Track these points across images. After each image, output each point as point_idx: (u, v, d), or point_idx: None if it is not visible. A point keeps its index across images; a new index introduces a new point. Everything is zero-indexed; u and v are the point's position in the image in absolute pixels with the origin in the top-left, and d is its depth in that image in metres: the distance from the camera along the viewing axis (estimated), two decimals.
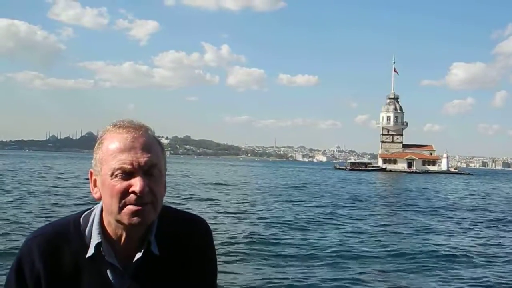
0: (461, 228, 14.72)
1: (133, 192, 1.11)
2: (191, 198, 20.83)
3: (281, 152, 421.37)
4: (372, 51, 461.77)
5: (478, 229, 14.49)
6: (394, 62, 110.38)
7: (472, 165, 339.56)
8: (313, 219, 15.17)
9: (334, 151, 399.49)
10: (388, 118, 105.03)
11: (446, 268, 8.78)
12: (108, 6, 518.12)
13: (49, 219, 11.52)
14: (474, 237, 12.92)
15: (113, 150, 1.14)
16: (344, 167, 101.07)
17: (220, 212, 15.98)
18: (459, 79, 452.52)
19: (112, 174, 1.13)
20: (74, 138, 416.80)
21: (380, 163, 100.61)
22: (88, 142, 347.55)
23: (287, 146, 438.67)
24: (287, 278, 7.59)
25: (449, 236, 12.89)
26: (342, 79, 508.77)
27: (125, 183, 1.12)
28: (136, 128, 1.17)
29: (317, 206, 19.48)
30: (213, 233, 1.36)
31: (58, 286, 1.18)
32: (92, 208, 1.26)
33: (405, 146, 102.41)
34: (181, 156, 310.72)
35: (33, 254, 1.17)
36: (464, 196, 30.14)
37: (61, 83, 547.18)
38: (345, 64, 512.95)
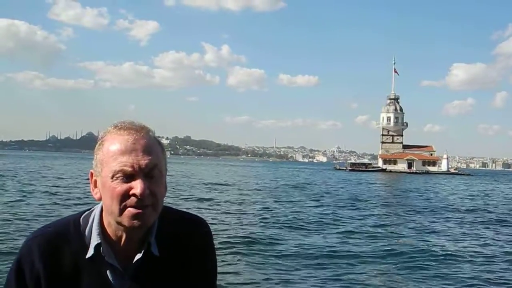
0: (460, 228, 14.72)
1: (134, 195, 1.11)
2: (191, 198, 20.84)
3: (281, 153, 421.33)
4: (372, 51, 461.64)
5: (478, 230, 14.50)
6: (394, 63, 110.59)
7: (472, 165, 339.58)
8: (312, 219, 15.18)
9: (334, 151, 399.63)
10: (388, 119, 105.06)
11: (446, 268, 8.78)
12: (108, 6, 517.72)
13: (49, 219, 11.52)
14: (473, 237, 12.93)
15: (113, 152, 1.14)
16: (344, 168, 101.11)
17: (220, 212, 15.99)
18: (459, 80, 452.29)
19: (112, 176, 1.12)
20: (74, 138, 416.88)
21: (380, 163, 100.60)
22: (88, 143, 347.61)
23: (287, 146, 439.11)
24: (287, 278, 7.60)
25: (449, 236, 12.89)
26: (342, 80, 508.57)
27: (126, 186, 1.12)
28: (137, 130, 1.17)
29: (317, 207, 19.49)
30: (213, 233, 1.37)
31: (58, 286, 1.18)
32: (92, 209, 1.26)
33: (405, 147, 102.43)
34: (181, 156, 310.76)
35: (33, 254, 1.17)
36: (464, 197, 30.14)
37: (61, 83, 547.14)
38: (345, 65, 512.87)
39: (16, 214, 12.95)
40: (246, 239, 10.82)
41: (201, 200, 20.28)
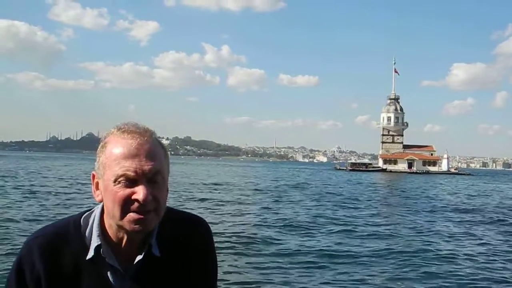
0: (461, 228, 14.71)
1: (136, 200, 1.11)
2: (191, 198, 20.85)
3: (282, 153, 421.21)
4: (372, 51, 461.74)
5: (478, 230, 14.48)
6: (394, 63, 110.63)
7: (472, 165, 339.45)
8: (313, 219, 15.17)
9: (334, 151, 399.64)
10: (389, 119, 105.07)
11: (446, 268, 8.77)
12: (109, 6, 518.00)
13: (49, 220, 11.53)
14: (474, 237, 12.92)
15: (116, 156, 1.13)
16: (345, 168, 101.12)
17: (221, 213, 15.99)
18: (459, 80, 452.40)
19: (115, 181, 1.12)
20: (75, 139, 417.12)
21: (380, 163, 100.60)
22: (89, 143, 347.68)
23: (288, 146, 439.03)
24: (288, 278, 7.61)
25: (449, 236, 12.87)
26: (342, 80, 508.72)
27: (128, 191, 1.11)
28: (141, 134, 1.16)
29: (317, 207, 19.49)
30: (213, 233, 1.36)
31: (58, 287, 1.17)
32: (92, 209, 1.26)
33: (405, 147, 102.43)
34: (182, 156, 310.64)
35: (34, 255, 1.17)
36: (465, 197, 30.13)
37: (62, 84, 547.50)
38: (345, 65, 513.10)
39: (16, 214, 12.94)
40: (246, 239, 10.83)
41: (201, 200, 20.26)
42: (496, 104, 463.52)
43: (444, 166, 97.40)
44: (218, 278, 1.37)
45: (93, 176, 1.20)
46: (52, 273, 1.17)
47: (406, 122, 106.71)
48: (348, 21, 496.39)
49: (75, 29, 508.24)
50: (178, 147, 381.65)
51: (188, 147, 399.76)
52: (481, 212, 20.08)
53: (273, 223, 13.76)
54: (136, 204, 1.11)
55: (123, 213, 1.12)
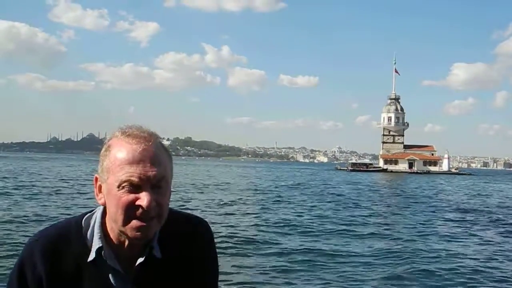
0: (461, 228, 14.72)
1: (140, 206, 1.11)
2: (192, 199, 20.85)
3: (282, 153, 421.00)
4: (373, 51, 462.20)
5: (479, 230, 14.50)
6: (395, 63, 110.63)
7: (473, 165, 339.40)
8: (313, 220, 15.20)
9: (335, 151, 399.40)
10: (389, 119, 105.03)
11: (446, 269, 8.78)
12: (109, 8, 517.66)
13: (50, 220, 11.55)
14: (474, 238, 12.93)
15: (121, 161, 1.12)
16: (345, 168, 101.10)
17: (221, 213, 16.01)
18: (460, 80, 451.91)
19: (119, 186, 1.11)
20: (75, 139, 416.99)
21: (381, 163, 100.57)
22: (90, 144, 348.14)
23: (288, 147, 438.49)
24: (288, 279, 7.63)
25: (449, 237, 12.89)
26: (343, 80, 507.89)
27: (132, 196, 1.11)
28: (146, 139, 1.15)
29: (317, 207, 19.50)
30: (214, 234, 1.37)
31: None
32: (94, 211, 1.25)
33: (406, 147, 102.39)
34: (183, 157, 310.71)
35: (35, 256, 1.17)
36: (465, 197, 30.13)
37: (62, 85, 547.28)
38: (346, 65, 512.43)
39: (17, 215, 12.95)
40: (247, 240, 10.85)
41: (202, 200, 20.29)
42: (496, 104, 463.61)
43: (444, 166, 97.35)
44: (219, 278, 1.37)
45: (96, 179, 1.19)
46: (54, 275, 1.17)
47: (406, 122, 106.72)
48: (348, 21, 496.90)
49: (76, 30, 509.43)
50: (179, 147, 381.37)
51: (189, 147, 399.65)
52: (482, 212, 20.10)
53: (273, 224, 13.77)
54: (140, 210, 1.11)
55: (126, 219, 1.12)
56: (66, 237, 1.20)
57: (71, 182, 28.77)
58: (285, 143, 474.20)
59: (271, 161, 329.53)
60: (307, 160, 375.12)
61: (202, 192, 25.37)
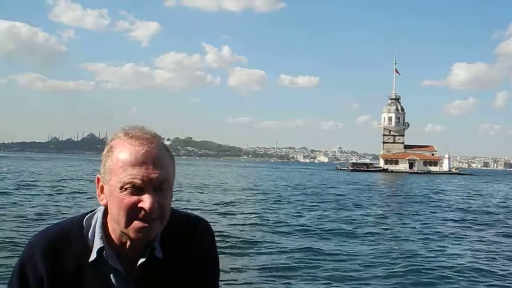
0: (461, 229, 14.72)
1: (142, 208, 1.11)
2: (192, 199, 20.86)
3: (283, 153, 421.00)
4: (373, 51, 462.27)
5: (478, 230, 14.50)
6: (395, 63, 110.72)
7: (473, 165, 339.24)
8: (313, 220, 15.19)
9: (335, 152, 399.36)
10: (390, 119, 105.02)
11: (446, 269, 8.78)
12: (109, 7, 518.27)
13: (52, 220, 11.56)
14: (474, 238, 12.93)
15: (123, 163, 1.12)
16: (346, 168, 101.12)
17: (222, 213, 16.01)
18: (460, 80, 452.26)
19: (121, 188, 1.11)
20: (76, 139, 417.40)
21: (381, 163, 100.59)
22: (90, 144, 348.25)
23: (289, 147, 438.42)
24: (287, 279, 7.63)
25: (450, 237, 12.89)
26: (343, 80, 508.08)
27: (135, 198, 1.11)
28: (148, 140, 1.15)
29: (317, 207, 19.49)
30: (214, 233, 1.37)
31: None
32: (95, 211, 1.25)
33: (406, 147, 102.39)
34: (183, 157, 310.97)
35: (36, 256, 1.17)
36: (465, 197, 30.12)
37: (62, 85, 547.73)
38: (346, 65, 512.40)
39: (18, 215, 12.97)
40: (247, 240, 10.87)
41: (202, 200, 20.30)
42: (497, 104, 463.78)
43: (445, 166, 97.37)
44: (220, 278, 1.37)
45: (98, 179, 1.19)
46: (55, 275, 1.17)
47: (407, 122, 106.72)
48: (348, 21, 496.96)
49: (76, 30, 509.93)
50: (179, 147, 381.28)
51: (189, 147, 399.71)
52: (482, 212, 20.07)
53: (273, 223, 13.77)
54: (142, 212, 1.11)
55: (129, 221, 1.12)
56: (67, 237, 1.20)
57: (71, 182, 28.80)
58: (285, 143, 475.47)
59: (272, 161, 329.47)
60: (307, 160, 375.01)
61: (202, 192, 25.36)
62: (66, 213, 13.61)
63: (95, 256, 1.17)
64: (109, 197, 1.15)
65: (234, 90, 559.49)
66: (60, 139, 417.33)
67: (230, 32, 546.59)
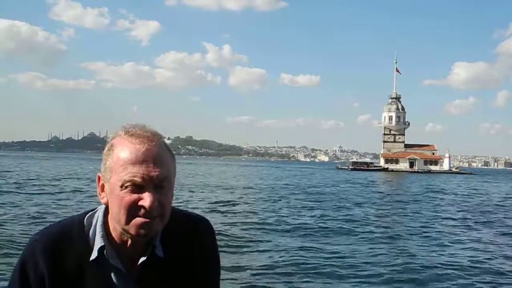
0: (461, 229, 14.75)
1: (142, 206, 1.11)
2: (192, 198, 20.89)
3: (283, 152, 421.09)
4: (374, 51, 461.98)
5: (478, 230, 14.51)
6: (396, 62, 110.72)
7: (474, 164, 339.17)
8: (313, 219, 15.20)
9: (336, 151, 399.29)
10: (390, 118, 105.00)
11: (446, 269, 8.80)
12: (109, 6, 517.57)
13: (52, 219, 11.57)
14: (474, 238, 12.94)
15: (124, 161, 1.12)
16: (346, 167, 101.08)
17: (222, 213, 16.03)
18: (461, 79, 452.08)
19: (122, 186, 1.12)
20: (76, 138, 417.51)
21: (382, 162, 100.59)
22: (90, 143, 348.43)
23: (289, 146, 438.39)
24: (287, 279, 7.65)
25: (450, 237, 12.90)
26: (344, 79, 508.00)
27: (135, 196, 1.11)
28: (149, 138, 1.15)
29: (317, 206, 19.51)
30: (215, 233, 1.37)
31: (61, 287, 1.18)
32: (96, 209, 1.25)
33: (407, 146, 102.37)
34: (184, 156, 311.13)
35: (37, 255, 1.17)
36: (466, 197, 30.14)
37: (63, 84, 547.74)
38: (347, 64, 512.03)
39: (18, 214, 12.99)
40: (247, 239, 10.90)
41: (202, 199, 20.33)
42: (497, 103, 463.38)
43: (445, 166, 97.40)
44: (221, 277, 1.38)
45: (99, 178, 1.19)
46: (56, 273, 1.17)
47: (407, 121, 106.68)
48: (349, 20, 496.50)
49: (76, 28, 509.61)
50: (180, 146, 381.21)
51: (190, 146, 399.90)
52: (482, 212, 20.10)
53: (273, 223, 13.79)
54: (142, 210, 1.11)
55: (129, 218, 1.12)
56: (68, 235, 1.20)
57: (71, 181, 28.82)
58: (286, 142, 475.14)
59: (272, 160, 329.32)
60: (308, 159, 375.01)
61: (203, 191, 25.40)
62: (66, 212, 13.61)
63: (96, 254, 1.17)
64: (110, 196, 1.15)
65: (235, 89, 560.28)
66: (61, 138, 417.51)
67: (230, 31, 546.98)
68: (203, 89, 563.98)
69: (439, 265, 8.91)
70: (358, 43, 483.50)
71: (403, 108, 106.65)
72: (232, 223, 13.40)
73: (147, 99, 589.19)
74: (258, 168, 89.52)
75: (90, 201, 16.53)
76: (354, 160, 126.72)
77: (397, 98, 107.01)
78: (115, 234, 1.19)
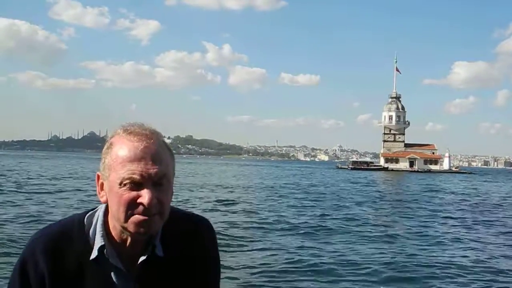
0: (461, 228, 14.75)
1: (141, 204, 1.11)
2: (192, 197, 20.89)
3: (283, 152, 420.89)
4: (374, 50, 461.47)
5: (478, 229, 14.52)
6: (396, 61, 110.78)
7: (474, 164, 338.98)
8: (313, 219, 15.20)
9: (336, 150, 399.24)
10: (390, 117, 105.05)
11: (445, 268, 8.80)
12: (109, 5, 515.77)
13: (53, 218, 11.58)
14: (474, 237, 12.94)
15: (122, 158, 1.12)
16: (346, 167, 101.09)
17: (222, 212, 16.04)
18: (461, 78, 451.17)
19: (120, 183, 1.12)
20: (76, 138, 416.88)
21: (382, 162, 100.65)
22: (90, 142, 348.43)
23: (289, 145, 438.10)
24: (286, 278, 7.65)
25: (450, 236, 12.90)
26: (344, 79, 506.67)
27: (133, 193, 1.11)
28: (147, 136, 1.15)
29: (317, 206, 19.52)
30: (216, 233, 1.37)
31: (61, 286, 1.17)
32: (96, 209, 1.25)
33: (407, 145, 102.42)
34: (184, 156, 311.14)
35: (37, 254, 1.17)
36: (465, 196, 30.15)
37: (63, 83, 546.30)
38: (347, 64, 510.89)
39: (18, 214, 12.98)
40: (247, 238, 10.90)
41: (203, 198, 20.35)
42: (497, 103, 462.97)
43: (445, 165, 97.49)
44: (221, 277, 1.38)
45: (98, 176, 1.19)
46: (56, 273, 1.17)
47: (407, 121, 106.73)
48: (349, 20, 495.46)
49: (76, 28, 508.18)
50: (180, 146, 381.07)
51: (190, 146, 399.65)
52: (482, 211, 20.11)
53: (273, 222, 13.78)
54: (141, 207, 1.11)
55: (128, 216, 1.12)
56: (68, 235, 1.20)
57: (72, 180, 28.83)
58: (286, 142, 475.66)
59: (272, 159, 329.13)
60: (308, 159, 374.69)
61: (202, 191, 25.42)
62: (66, 212, 13.62)
63: (96, 254, 1.17)
64: (109, 194, 1.15)
65: (235, 88, 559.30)
66: (61, 137, 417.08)
67: (230, 31, 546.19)
68: (203, 88, 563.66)
69: (439, 264, 8.91)
70: (358, 42, 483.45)
71: (403, 108, 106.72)
72: (232, 222, 13.39)
73: (147, 98, 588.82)
74: (258, 168, 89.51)
75: (90, 200, 16.53)
76: (354, 159, 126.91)
77: (397, 98, 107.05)
78: (115, 233, 1.19)
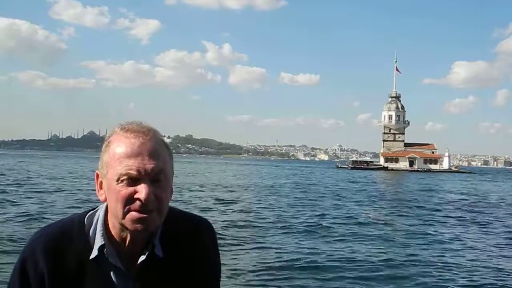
0: (461, 228, 14.77)
1: (138, 199, 1.11)
2: (192, 197, 20.90)
3: (283, 151, 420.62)
4: (374, 50, 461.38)
5: (478, 229, 14.53)
6: (396, 61, 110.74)
7: (473, 163, 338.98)
8: (312, 219, 15.21)
9: (336, 150, 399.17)
10: (390, 117, 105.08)
11: (445, 268, 8.82)
12: (109, 5, 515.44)
13: (53, 218, 11.59)
14: (473, 237, 12.96)
15: (119, 155, 1.13)
16: (346, 166, 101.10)
17: (222, 212, 16.05)
18: (460, 78, 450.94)
19: (118, 179, 1.12)
20: (76, 137, 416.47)
21: (382, 161, 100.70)
22: (90, 142, 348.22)
23: (289, 145, 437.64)
24: (286, 278, 7.66)
25: (450, 236, 12.92)
26: (344, 78, 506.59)
27: (131, 189, 1.11)
28: (144, 133, 1.16)
29: (317, 205, 19.53)
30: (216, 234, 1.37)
31: (61, 286, 1.17)
32: (96, 208, 1.26)
33: (406, 145, 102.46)
34: (184, 155, 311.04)
35: (37, 253, 1.17)
36: (465, 195, 30.18)
37: (63, 83, 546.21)
38: (347, 63, 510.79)
39: (18, 213, 12.99)
40: (247, 238, 10.91)
41: (202, 198, 20.36)
42: (497, 102, 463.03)
43: (445, 164, 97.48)
44: (221, 277, 1.38)
45: (97, 175, 1.20)
46: (56, 272, 1.17)
47: (407, 120, 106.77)
48: (349, 19, 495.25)
49: (76, 27, 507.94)
50: (180, 145, 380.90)
51: (190, 145, 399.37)
52: (481, 210, 20.13)
53: (273, 222, 13.80)
54: (138, 203, 1.11)
55: (125, 212, 1.11)
56: (68, 234, 1.20)
57: (72, 180, 28.84)
58: (286, 141, 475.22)
59: (272, 159, 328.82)
60: (308, 158, 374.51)
61: (202, 190, 25.42)
62: (66, 211, 13.63)
63: (96, 253, 1.17)
64: (107, 191, 1.16)
65: (235, 88, 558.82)
66: (60, 137, 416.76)
67: (230, 30, 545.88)
68: (203, 87, 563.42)
69: (437, 264, 8.93)
70: (358, 42, 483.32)
71: (403, 107, 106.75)
72: (232, 221, 13.40)
73: (147, 97, 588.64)
74: (258, 167, 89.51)
75: (90, 200, 16.53)
76: (354, 159, 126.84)
77: (397, 97, 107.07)
78: (114, 231, 1.19)
